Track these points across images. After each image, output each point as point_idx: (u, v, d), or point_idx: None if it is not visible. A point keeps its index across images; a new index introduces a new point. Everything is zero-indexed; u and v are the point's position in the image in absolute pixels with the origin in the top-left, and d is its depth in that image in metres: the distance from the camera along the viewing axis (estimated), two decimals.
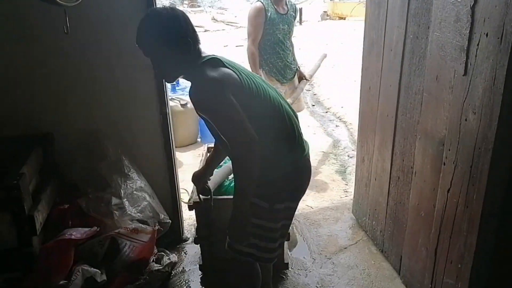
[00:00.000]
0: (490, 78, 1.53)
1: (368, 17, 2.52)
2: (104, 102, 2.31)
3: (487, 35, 1.53)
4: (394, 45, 2.21)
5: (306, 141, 1.81)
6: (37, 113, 2.25)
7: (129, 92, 2.34)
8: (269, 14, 3.22)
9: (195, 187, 2.13)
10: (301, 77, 3.68)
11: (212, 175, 2.12)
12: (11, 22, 2.09)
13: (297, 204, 1.84)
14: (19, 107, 2.23)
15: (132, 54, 2.25)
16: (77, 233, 2.02)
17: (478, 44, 1.58)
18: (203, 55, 1.62)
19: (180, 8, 12.57)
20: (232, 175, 2.26)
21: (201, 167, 2.20)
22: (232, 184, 2.19)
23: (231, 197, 1.80)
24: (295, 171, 1.72)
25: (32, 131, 2.21)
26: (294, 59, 3.60)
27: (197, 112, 1.64)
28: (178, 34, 1.55)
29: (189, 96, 1.56)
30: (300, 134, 1.75)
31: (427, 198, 2.02)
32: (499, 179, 1.59)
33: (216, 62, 1.59)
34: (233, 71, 1.59)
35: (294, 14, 3.47)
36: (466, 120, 1.68)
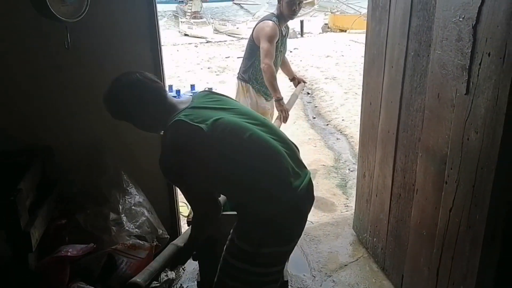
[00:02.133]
0: (493, 98, 1.51)
1: (369, 33, 2.52)
2: (103, 117, 2.27)
3: (489, 54, 1.52)
4: (395, 62, 2.20)
5: (303, 174, 1.65)
6: (36, 128, 2.23)
7: None
8: (279, 34, 3.21)
9: None
10: (298, 81, 3.70)
11: None
12: (13, 37, 2.09)
13: (290, 248, 1.68)
14: (18, 121, 2.22)
15: (132, 69, 2.25)
16: (73, 250, 2.00)
17: (480, 64, 1.56)
18: (176, 110, 1.59)
19: (183, 19, 12.67)
20: None
21: None
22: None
23: (231, 213, 1.80)
24: (283, 215, 1.56)
25: (32, 145, 2.19)
26: (289, 70, 3.69)
27: None
28: (133, 101, 1.59)
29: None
30: (291, 172, 1.59)
31: (429, 217, 1.99)
32: (502, 200, 1.57)
33: (182, 123, 1.51)
34: (207, 122, 1.51)
35: (287, 36, 3.48)
36: (468, 139, 1.66)
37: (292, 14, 3.23)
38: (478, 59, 1.57)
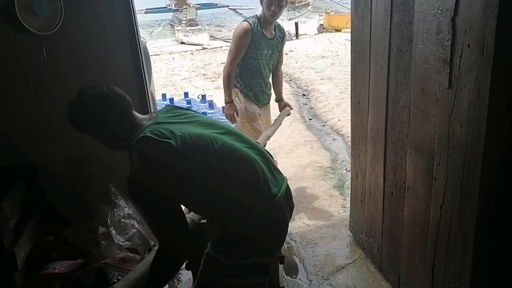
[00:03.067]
0: (475, 90, 1.48)
1: (353, 31, 2.49)
2: None
3: (469, 46, 1.48)
4: (379, 58, 2.16)
5: (280, 180, 1.63)
6: (18, 144, 2.21)
7: None
8: (255, 38, 3.11)
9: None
10: (284, 105, 3.59)
11: None
12: None
13: (271, 259, 1.65)
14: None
15: (113, 80, 2.22)
16: (60, 266, 1.97)
17: (460, 56, 1.53)
18: (140, 127, 1.54)
19: (179, 28, 12.68)
20: None
21: None
22: None
23: None
24: (264, 229, 1.54)
25: (15, 162, 2.16)
26: (279, 89, 3.58)
27: None
28: (95, 115, 1.54)
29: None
30: (269, 178, 1.57)
31: (421, 215, 1.95)
32: (491, 194, 1.53)
33: (148, 139, 1.46)
34: (175, 136, 1.46)
35: (281, 40, 3.34)
36: (453, 134, 1.62)
37: (272, 15, 3.13)
38: (459, 51, 1.53)
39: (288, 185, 1.65)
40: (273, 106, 3.61)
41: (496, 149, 1.47)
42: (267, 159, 1.65)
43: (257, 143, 1.71)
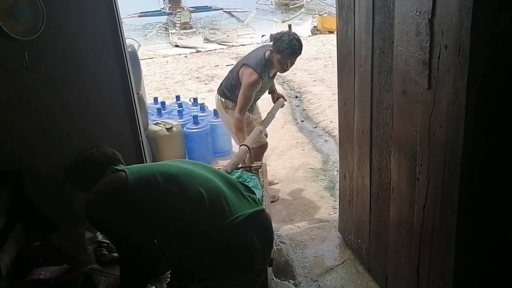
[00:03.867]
0: (453, 91, 1.49)
1: (338, 33, 2.50)
2: (72, 134, 2.27)
3: (446, 47, 1.49)
4: (363, 60, 2.18)
5: (248, 205, 1.65)
6: (4, 150, 2.20)
7: (98, 123, 2.30)
8: (262, 83, 3.19)
9: None
10: (278, 97, 3.64)
11: None
12: None
13: (248, 277, 1.65)
14: None
15: (98, 84, 2.23)
16: (46, 272, 1.96)
17: (439, 57, 1.54)
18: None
19: (173, 31, 12.73)
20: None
21: None
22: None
23: None
24: (229, 250, 1.55)
25: (0, 168, 2.16)
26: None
27: None
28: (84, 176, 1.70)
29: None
30: (231, 208, 1.58)
31: (406, 215, 1.96)
32: (471, 194, 1.54)
33: (110, 173, 1.62)
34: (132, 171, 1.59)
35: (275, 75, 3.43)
36: (434, 134, 1.63)
37: (282, 71, 3.24)
38: (437, 53, 1.55)
39: (260, 210, 1.67)
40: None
41: (474, 149, 1.48)
42: (233, 185, 1.68)
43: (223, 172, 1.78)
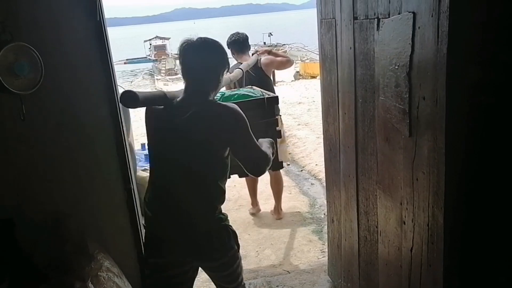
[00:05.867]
0: (433, 139, 1.58)
1: (322, 82, 2.63)
2: (64, 184, 2.30)
3: (424, 98, 1.60)
4: (347, 108, 2.29)
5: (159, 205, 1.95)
6: None
7: (90, 172, 2.34)
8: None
9: None
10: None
11: None
12: None
13: (160, 261, 1.98)
14: None
15: (91, 135, 2.29)
16: None
17: (417, 107, 1.65)
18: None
19: (159, 77, 12.94)
20: None
21: None
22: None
23: None
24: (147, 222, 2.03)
25: None
26: None
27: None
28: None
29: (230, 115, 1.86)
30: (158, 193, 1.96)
31: (394, 258, 2.01)
32: (455, 238, 1.60)
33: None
34: None
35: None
36: (417, 179, 1.71)
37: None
38: (416, 103, 1.66)
39: (180, 208, 1.90)
40: None
41: (457, 194, 1.56)
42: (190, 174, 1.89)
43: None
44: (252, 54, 3.97)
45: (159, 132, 1.92)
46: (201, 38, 1.89)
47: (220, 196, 1.94)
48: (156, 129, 1.94)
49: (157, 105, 1.90)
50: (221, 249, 1.93)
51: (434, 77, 1.53)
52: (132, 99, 1.75)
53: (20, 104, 1.86)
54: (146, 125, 1.99)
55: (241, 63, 3.59)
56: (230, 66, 3.37)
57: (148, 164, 4.12)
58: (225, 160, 1.91)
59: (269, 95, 2.88)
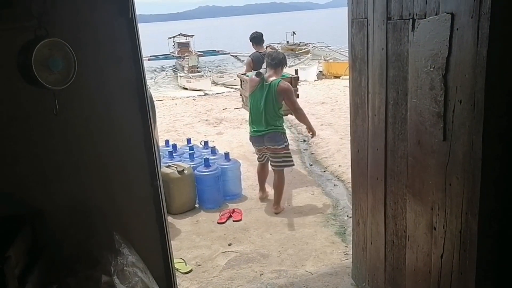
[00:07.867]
0: (468, 143, 1.55)
1: (351, 83, 2.60)
2: (93, 179, 2.33)
3: (461, 102, 1.57)
4: (377, 110, 2.25)
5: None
6: (26, 192, 2.25)
7: (118, 167, 2.36)
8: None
9: None
10: None
11: None
12: (2, 104, 2.16)
13: None
14: (8, 186, 2.23)
15: (120, 131, 2.31)
16: None
17: (453, 111, 1.61)
18: None
19: (182, 74, 13.21)
20: None
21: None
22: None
23: None
24: None
25: (22, 210, 2.20)
26: None
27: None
28: None
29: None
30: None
31: (423, 264, 1.97)
32: (490, 245, 1.56)
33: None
34: None
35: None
36: (450, 185, 1.68)
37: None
38: (451, 107, 1.62)
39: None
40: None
41: (492, 202, 1.52)
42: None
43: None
44: (266, 47, 5.70)
45: None
46: None
47: None
48: None
49: None
50: None
51: (472, 80, 1.49)
52: None
53: (53, 99, 1.89)
54: None
55: (259, 52, 5.88)
56: (250, 54, 5.11)
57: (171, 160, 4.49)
58: None
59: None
